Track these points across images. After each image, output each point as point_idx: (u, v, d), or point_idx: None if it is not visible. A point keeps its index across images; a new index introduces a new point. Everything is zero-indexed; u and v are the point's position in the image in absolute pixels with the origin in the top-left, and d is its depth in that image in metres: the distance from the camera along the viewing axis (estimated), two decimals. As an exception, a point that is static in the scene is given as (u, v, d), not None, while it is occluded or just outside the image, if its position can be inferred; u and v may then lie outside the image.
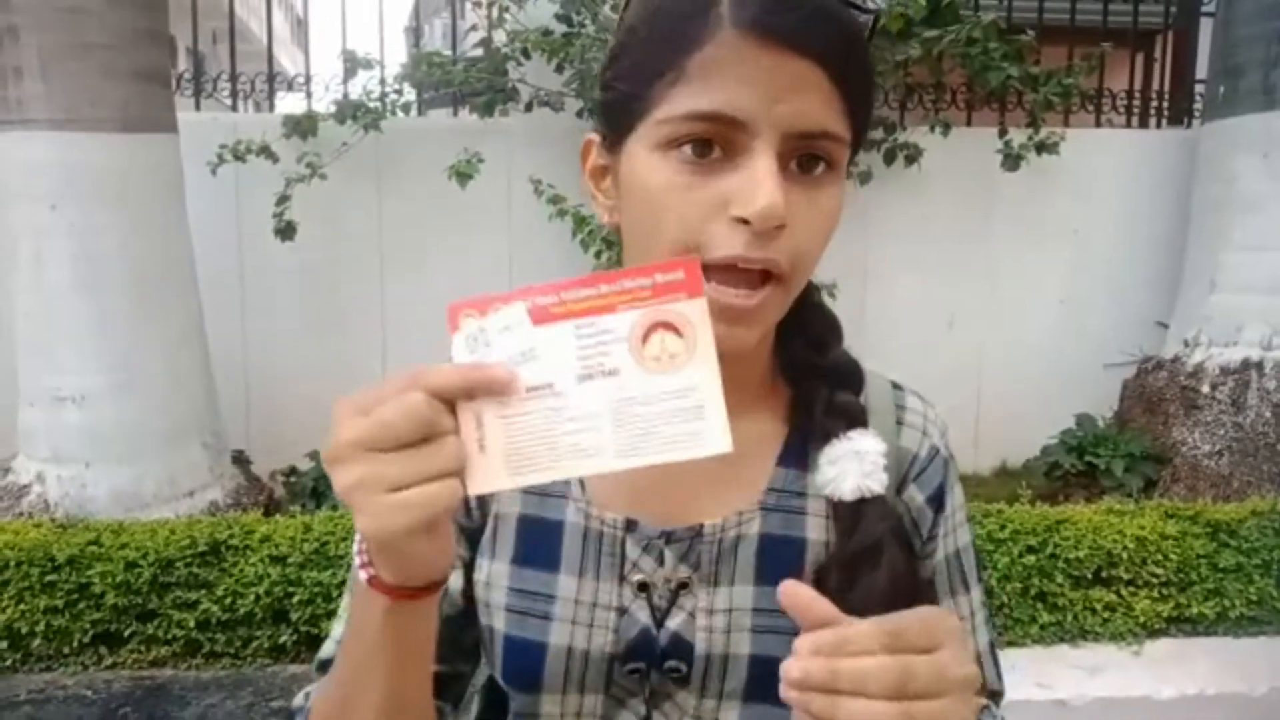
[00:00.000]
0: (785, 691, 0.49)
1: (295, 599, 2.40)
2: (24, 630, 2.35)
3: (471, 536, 0.69)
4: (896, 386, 0.71)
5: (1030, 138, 3.89)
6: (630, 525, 0.65)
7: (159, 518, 2.68)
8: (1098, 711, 2.39)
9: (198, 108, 3.94)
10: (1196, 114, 4.25)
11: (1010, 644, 2.58)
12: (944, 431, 0.71)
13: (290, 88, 4.06)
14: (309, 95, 3.95)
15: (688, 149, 0.55)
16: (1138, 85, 4.47)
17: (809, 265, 0.59)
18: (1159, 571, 2.64)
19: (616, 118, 0.60)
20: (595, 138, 0.65)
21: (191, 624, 2.38)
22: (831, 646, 0.48)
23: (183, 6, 3.78)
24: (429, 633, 0.58)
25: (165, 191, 3.08)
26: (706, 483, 0.65)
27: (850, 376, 0.68)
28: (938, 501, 0.69)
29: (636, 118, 0.58)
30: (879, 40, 3.65)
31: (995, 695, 0.72)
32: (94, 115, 2.88)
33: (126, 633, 2.39)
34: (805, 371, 0.68)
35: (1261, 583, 2.66)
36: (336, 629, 0.69)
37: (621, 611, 0.62)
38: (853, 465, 0.62)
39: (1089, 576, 2.64)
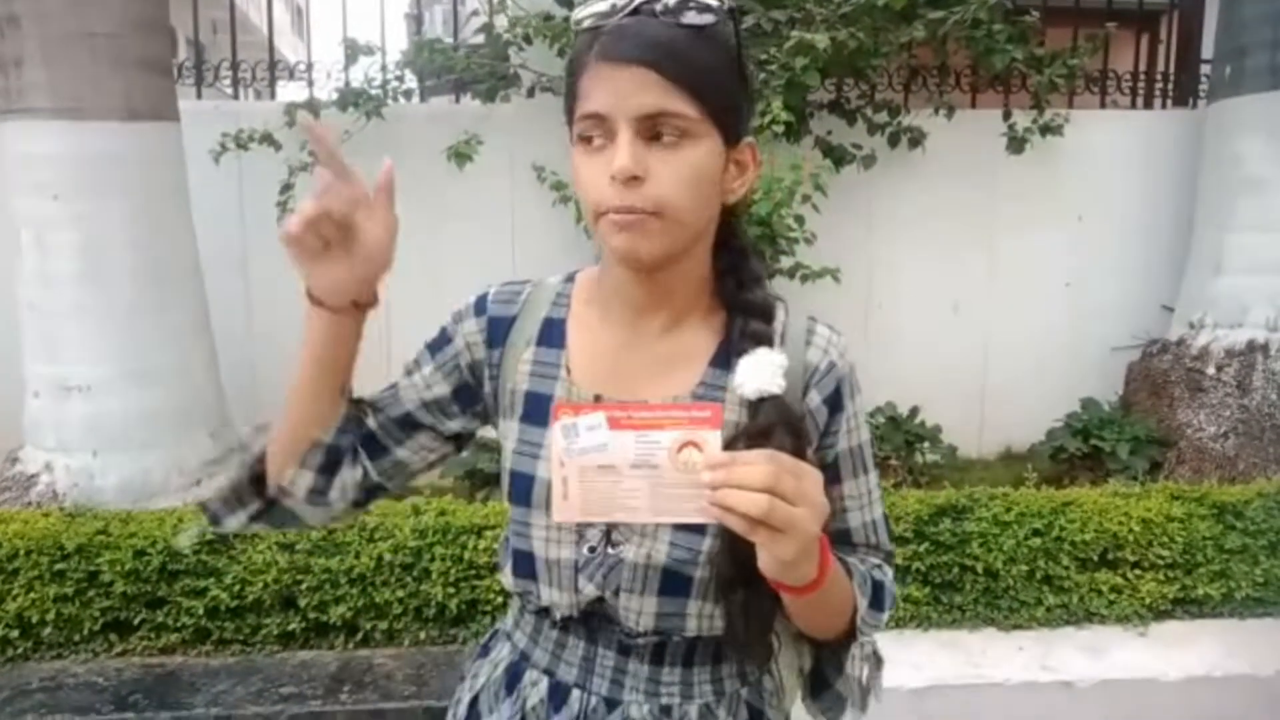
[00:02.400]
0: (703, 495, 0.72)
1: (304, 586, 2.41)
2: (34, 619, 2.37)
3: (472, 397, 0.96)
4: (812, 319, 0.93)
5: (1035, 120, 3.87)
6: (597, 398, 0.89)
7: (167, 506, 2.69)
8: (1104, 693, 2.39)
9: (199, 96, 3.93)
10: (1202, 95, 4.23)
11: (1016, 626, 2.59)
12: (843, 352, 0.92)
13: (292, 76, 4.04)
14: (310, 83, 3.94)
15: (585, 141, 0.82)
16: (1143, 66, 4.43)
17: (678, 204, 0.81)
18: (1165, 553, 2.64)
19: (569, 126, 0.85)
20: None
21: (200, 611, 2.39)
22: (729, 459, 0.73)
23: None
24: (347, 349, 0.91)
25: (168, 180, 3.08)
26: (656, 372, 0.89)
27: (762, 309, 0.89)
28: (835, 402, 0.90)
29: (571, 127, 0.84)
30: (883, 22, 3.64)
31: (889, 555, 0.95)
32: (96, 104, 2.87)
33: (136, 620, 2.40)
34: (733, 303, 0.90)
35: (1267, 564, 2.66)
36: None
37: None
38: (754, 373, 0.83)
39: (1095, 559, 2.64)
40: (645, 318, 0.90)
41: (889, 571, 0.93)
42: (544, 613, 0.92)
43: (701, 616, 0.87)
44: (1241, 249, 3.57)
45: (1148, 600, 2.62)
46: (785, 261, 3.43)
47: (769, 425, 0.81)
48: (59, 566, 2.38)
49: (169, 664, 2.37)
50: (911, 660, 2.43)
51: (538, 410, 0.91)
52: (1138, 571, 2.65)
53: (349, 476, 0.95)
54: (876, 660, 0.92)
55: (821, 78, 3.51)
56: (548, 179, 3.64)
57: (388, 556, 2.43)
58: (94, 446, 2.90)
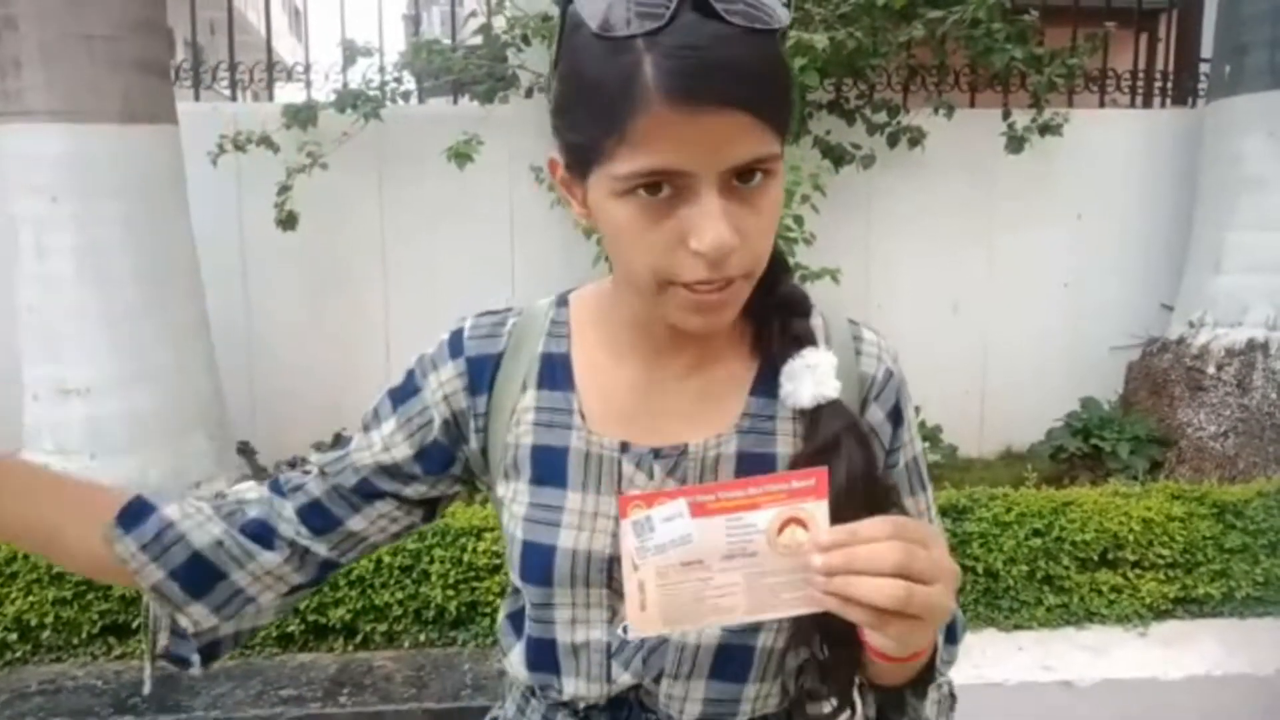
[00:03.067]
0: (811, 584, 0.60)
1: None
2: (33, 622, 2.36)
3: (444, 459, 0.81)
4: (853, 322, 0.81)
5: (1034, 119, 3.87)
6: (624, 446, 0.75)
7: (165, 509, 2.68)
8: (1104, 693, 2.39)
9: (197, 98, 3.93)
10: (1201, 93, 4.22)
11: (1016, 626, 2.59)
12: (895, 357, 0.81)
13: (289, 77, 4.04)
14: (308, 85, 3.93)
15: (641, 193, 0.63)
16: (1142, 65, 4.43)
17: (764, 259, 0.68)
18: (1165, 553, 2.64)
19: (576, 159, 0.69)
20: (559, 159, 0.72)
21: (199, 614, 2.38)
22: (847, 534, 0.60)
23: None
24: (26, 509, 0.75)
25: (166, 182, 3.07)
26: (690, 412, 0.76)
27: (798, 304, 0.77)
28: (896, 416, 0.79)
29: (592, 165, 0.66)
30: (882, 21, 3.64)
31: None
32: (94, 106, 2.87)
33: (135, 624, 2.40)
34: (762, 309, 0.76)
35: (1268, 563, 2.66)
36: None
37: (618, 519, 0.67)
38: (807, 377, 0.72)
39: (1095, 559, 2.64)
40: (669, 357, 0.77)
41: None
42: (563, 705, 0.78)
43: (759, 699, 0.76)
44: (1241, 248, 3.57)
45: (1148, 600, 2.62)
46: (784, 262, 3.43)
47: (834, 436, 0.71)
48: (58, 569, 2.38)
49: (168, 666, 2.36)
50: (912, 661, 2.43)
51: (551, 468, 0.76)
52: (1138, 571, 2.65)
53: (267, 564, 0.79)
54: (952, 700, 0.80)
55: (820, 78, 3.51)
56: (545, 179, 3.64)
57: (387, 559, 2.43)
58: (93, 449, 2.90)
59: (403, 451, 0.80)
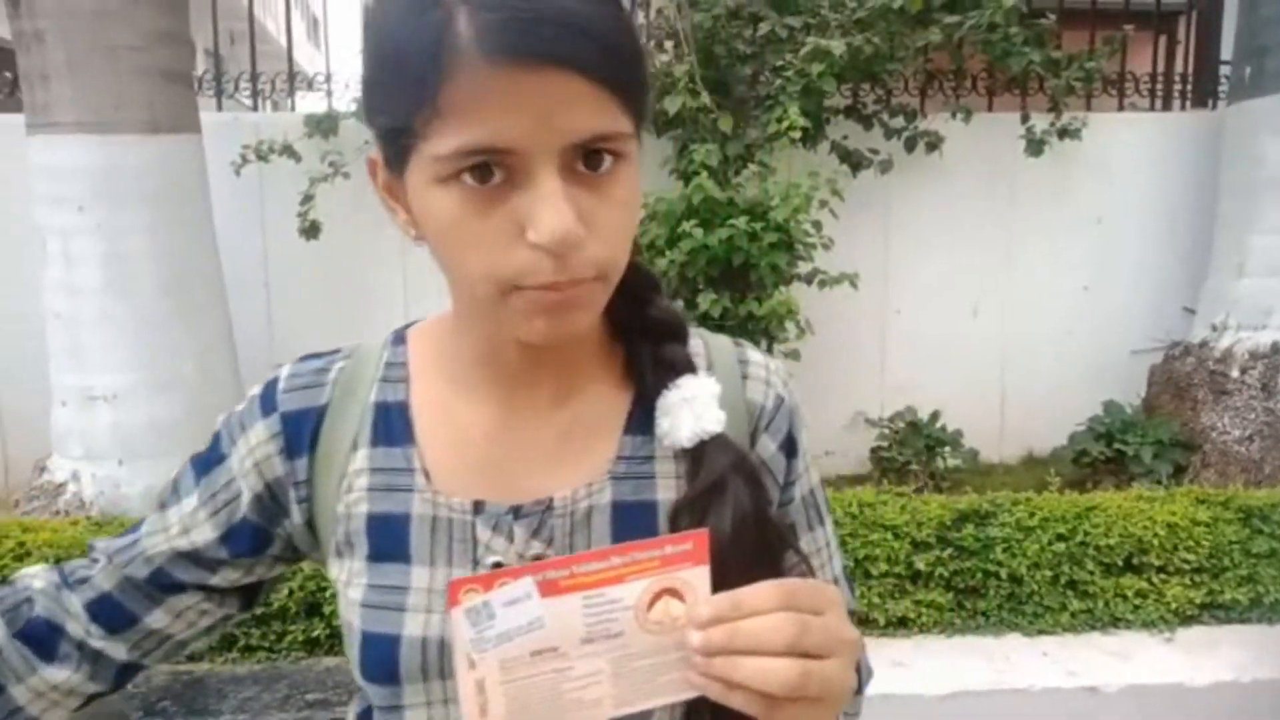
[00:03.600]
0: (690, 661, 0.52)
1: (328, 593, 2.42)
2: (63, 626, 2.39)
3: (258, 539, 0.68)
4: (737, 343, 0.71)
5: (1052, 123, 3.86)
6: (478, 507, 0.63)
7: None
8: (1130, 699, 2.38)
9: (219, 108, 3.97)
10: (1221, 96, 4.20)
11: (1040, 632, 2.57)
12: (786, 381, 0.71)
13: (310, 87, 4.08)
14: (329, 94, 3.97)
15: (467, 178, 0.53)
16: (1161, 68, 4.42)
17: (619, 261, 0.58)
18: (1191, 558, 2.61)
19: (390, 149, 0.58)
20: (378, 158, 0.61)
21: (226, 619, 2.41)
22: (729, 606, 0.51)
23: (199, 7, 3.81)
24: None
25: (191, 191, 3.11)
26: (555, 459, 0.65)
27: (672, 327, 0.67)
28: (790, 446, 0.70)
29: (408, 150, 0.55)
30: (899, 27, 3.65)
31: (852, 613, 0.72)
32: (120, 117, 2.91)
33: (163, 628, 2.42)
34: (631, 330, 0.67)
35: (1295, 568, 2.64)
36: None
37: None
38: (685, 411, 0.63)
39: (1120, 564, 2.62)
40: (526, 389, 0.65)
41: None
42: None
43: None
44: (1264, 250, 3.55)
45: (1174, 605, 2.60)
46: (803, 267, 3.44)
47: (719, 476, 0.61)
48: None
49: (196, 671, 2.39)
50: (934, 667, 2.42)
51: (391, 540, 0.64)
52: (1163, 576, 2.63)
53: (52, 678, 0.67)
54: None
55: (837, 83, 3.52)
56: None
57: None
58: (120, 455, 2.93)
59: (205, 534, 0.68)
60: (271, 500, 0.67)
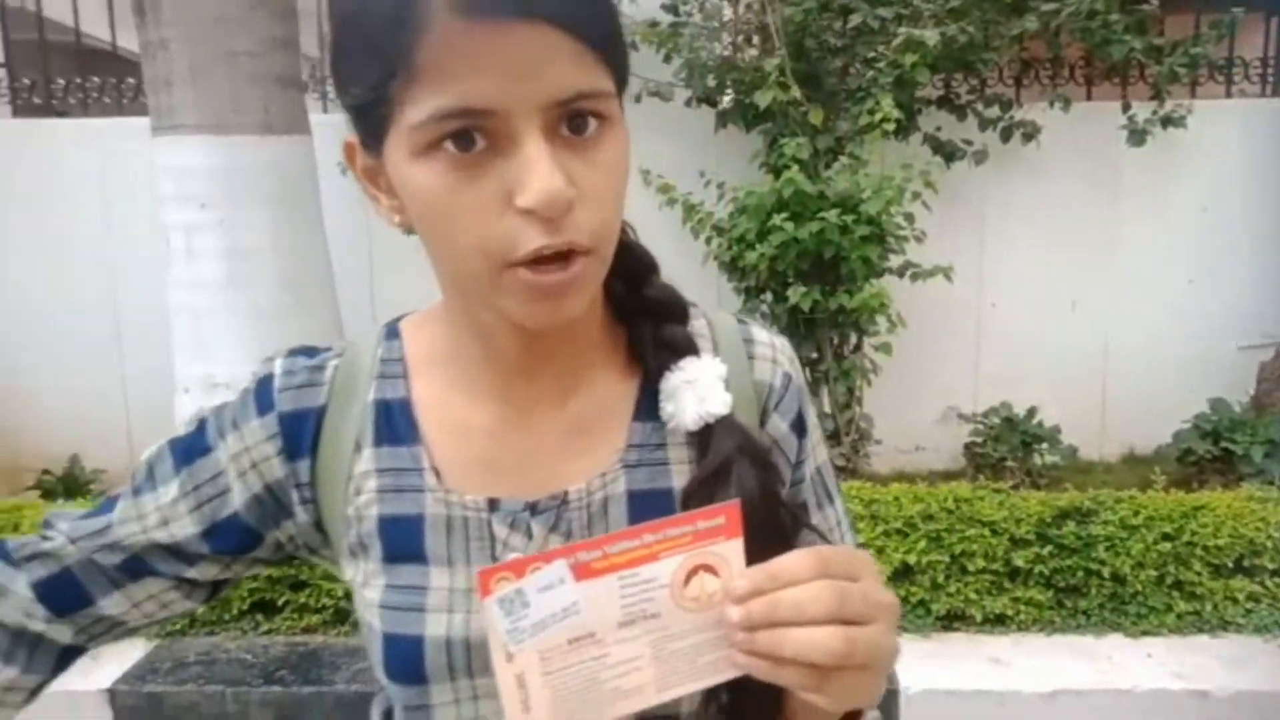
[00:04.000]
0: (731, 639, 0.50)
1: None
2: (189, 599, 2.55)
3: (246, 538, 0.66)
4: (743, 322, 0.70)
5: (1155, 111, 3.74)
6: (492, 504, 0.62)
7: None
8: (1242, 704, 2.31)
9: (325, 110, 4.14)
10: (1340, 80, 4.01)
11: (1144, 633, 2.52)
12: (792, 359, 0.69)
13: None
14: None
15: (449, 145, 0.51)
16: (1272, 52, 4.22)
17: (612, 228, 0.56)
18: (1307, 561, 2.52)
19: (364, 122, 0.56)
20: (355, 140, 0.59)
21: (339, 594, 2.52)
22: (766, 578, 0.49)
23: (303, 12, 3.97)
24: None
25: (303, 190, 3.26)
26: (566, 450, 0.63)
27: (671, 307, 0.65)
28: (800, 425, 0.68)
29: (384, 123, 0.53)
30: (993, 15, 3.58)
31: None
32: (238, 119, 3.07)
33: (281, 601, 2.56)
34: (631, 312, 0.66)
35: None
36: None
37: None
38: (688, 393, 0.61)
39: (1229, 565, 2.54)
40: (528, 382, 0.63)
41: None
42: None
43: None
44: (1387, 242, 3.37)
45: (1288, 609, 2.51)
46: (895, 260, 3.41)
47: (724, 460, 0.60)
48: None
49: (311, 643, 2.52)
50: (1034, 665, 2.39)
51: (406, 541, 0.62)
52: (1277, 580, 2.54)
53: None
54: None
55: (930, 74, 3.48)
56: (654, 182, 3.70)
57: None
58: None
59: (185, 528, 0.65)
60: (273, 502, 0.65)
